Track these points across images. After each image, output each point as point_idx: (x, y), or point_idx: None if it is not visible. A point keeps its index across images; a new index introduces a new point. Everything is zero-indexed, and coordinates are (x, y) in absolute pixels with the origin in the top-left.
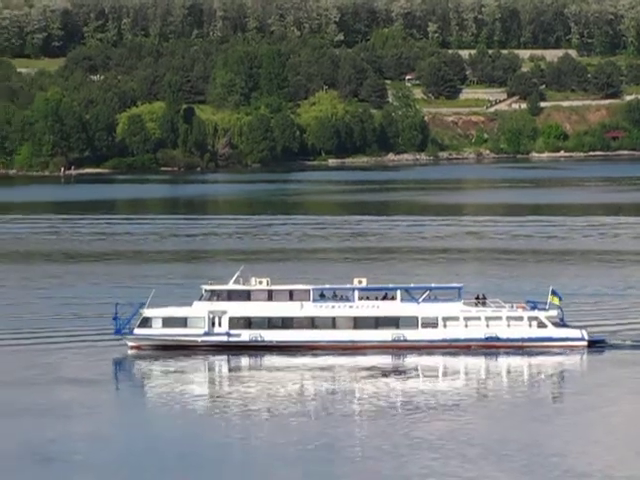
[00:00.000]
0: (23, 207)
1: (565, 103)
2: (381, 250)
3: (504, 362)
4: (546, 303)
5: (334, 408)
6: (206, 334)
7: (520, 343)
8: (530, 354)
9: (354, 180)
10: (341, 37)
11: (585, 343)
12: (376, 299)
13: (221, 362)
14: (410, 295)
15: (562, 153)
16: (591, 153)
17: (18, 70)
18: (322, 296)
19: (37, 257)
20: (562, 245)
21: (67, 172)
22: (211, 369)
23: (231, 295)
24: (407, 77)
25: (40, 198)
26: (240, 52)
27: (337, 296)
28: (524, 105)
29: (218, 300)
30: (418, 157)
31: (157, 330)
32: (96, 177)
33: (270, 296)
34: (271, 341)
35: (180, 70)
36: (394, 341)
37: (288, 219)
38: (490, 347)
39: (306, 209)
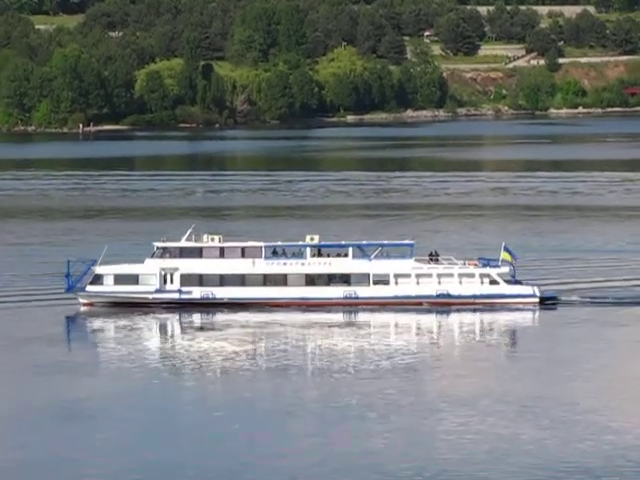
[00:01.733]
0: (42, 164)
1: (583, 59)
2: (403, 206)
3: (455, 319)
4: (498, 260)
5: (286, 366)
6: (157, 291)
7: (472, 300)
8: (481, 311)
9: (373, 137)
10: None
11: (537, 300)
12: (328, 256)
13: (172, 320)
14: (362, 252)
15: (580, 109)
16: (609, 109)
17: (36, 27)
18: (275, 253)
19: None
20: (587, 201)
21: (86, 129)
22: (162, 327)
23: (183, 252)
24: (425, 33)
25: (60, 155)
26: (258, 8)
27: (289, 253)
28: (542, 61)
29: (170, 257)
30: (436, 113)
31: (109, 287)
32: (115, 134)
33: (222, 253)
34: (222, 298)
35: (198, 26)
36: (345, 298)
37: (308, 175)
38: (441, 304)
39: (326, 166)
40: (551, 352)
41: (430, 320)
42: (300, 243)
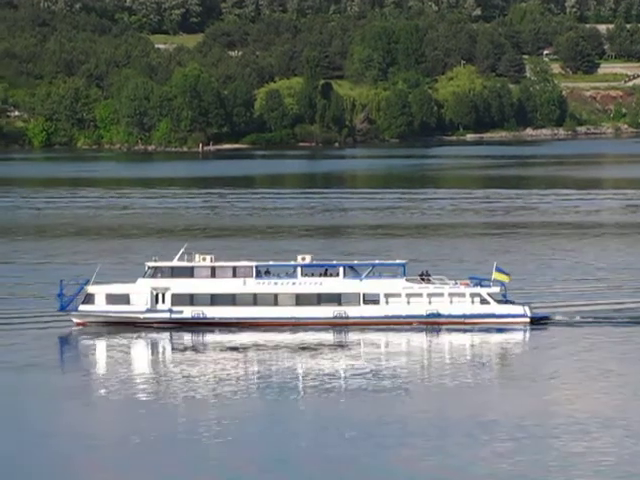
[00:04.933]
0: (164, 182)
1: None
2: (532, 225)
3: (445, 339)
4: (490, 280)
5: (276, 387)
6: (148, 311)
7: (462, 320)
8: (472, 331)
9: (493, 155)
10: (479, 12)
11: (527, 320)
12: (320, 276)
13: (163, 340)
14: (354, 272)
15: None
16: None
17: (156, 46)
18: (266, 273)
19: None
20: None
21: (205, 148)
22: (153, 347)
23: (174, 272)
24: (545, 52)
25: (181, 174)
26: (378, 27)
27: (280, 273)
28: None
29: (161, 277)
30: (556, 132)
31: (100, 307)
32: (234, 153)
33: (213, 273)
34: (213, 318)
35: (318, 45)
36: (335, 318)
37: (429, 193)
38: (432, 324)
39: (447, 184)
40: (536, 372)
41: (419, 340)
42: (291, 263)
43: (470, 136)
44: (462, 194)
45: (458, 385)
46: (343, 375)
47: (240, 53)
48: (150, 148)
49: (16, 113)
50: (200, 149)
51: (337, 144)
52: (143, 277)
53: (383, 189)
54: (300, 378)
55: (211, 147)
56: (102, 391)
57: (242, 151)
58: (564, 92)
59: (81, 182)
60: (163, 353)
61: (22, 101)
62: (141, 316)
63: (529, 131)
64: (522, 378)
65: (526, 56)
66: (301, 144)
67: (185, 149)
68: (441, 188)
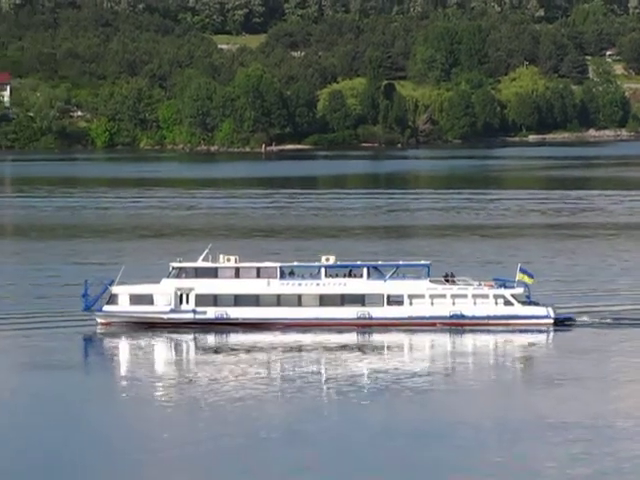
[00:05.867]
0: (227, 183)
1: None
2: (600, 226)
3: (469, 340)
4: (514, 281)
5: (299, 390)
6: (172, 311)
7: (485, 321)
8: (495, 332)
9: (556, 156)
10: (541, 13)
11: (551, 321)
12: (344, 276)
13: (187, 340)
14: (378, 272)
15: None
16: None
17: (219, 47)
18: (291, 274)
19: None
20: None
21: (268, 148)
22: (176, 348)
23: (198, 272)
24: (608, 53)
25: (245, 174)
26: (440, 28)
27: (304, 274)
28: None
29: (185, 277)
30: (619, 133)
31: (124, 307)
32: (297, 153)
33: (237, 273)
34: (236, 318)
35: (380, 46)
36: (359, 318)
37: (493, 194)
38: (455, 325)
39: (511, 185)
40: (559, 373)
41: (443, 341)
42: (315, 263)
43: (532, 137)
44: (525, 195)
45: (484, 387)
46: (366, 376)
47: (303, 53)
48: (212, 149)
49: (79, 113)
50: (263, 150)
51: (400, 145)
52: (167, 277)
53: (446, 190)
54: (323, 379)
55: (274, 147)
56: (131, 392)
57: (304, 152)
58: (627, 93)
59: (145, 182)
60: (187, 353)
61: (85, 101)
62: (165, 316)
63: (592, 132)
64: (545, 380)
65: (589, 57)
66: (363, 145)
67: (247, 149)
68: (504, 189)
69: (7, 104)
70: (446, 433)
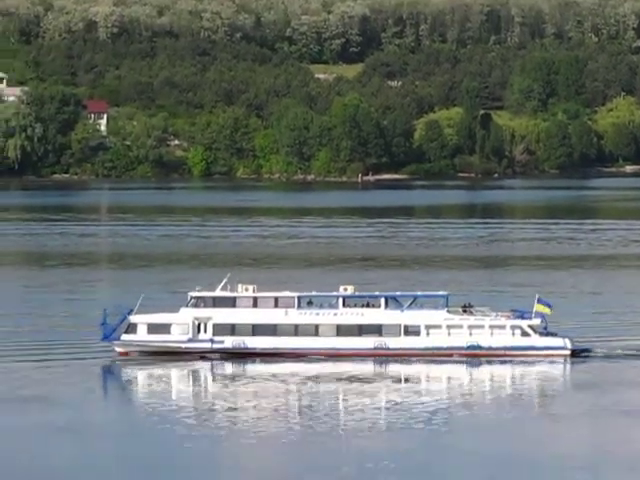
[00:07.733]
0: (324, 212)
1: None
2: None
3: (485, 371)
4: (532, 312)
5: (317, 421)
6: (190, 340)
7: (502, 352)
8: (512, 363)
9: None
10: (639, 43)
11: (568, 352)
12: (362, 307)
13: (205, 370)
14: (396, 303)
15: None
16: None
17: (316, 76)
18: (309, 303)
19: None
20: None
21: (365, 178)
22: (194, 377)
23: (216, 302)
24: None
25: (341, 204)
26: (538, 58)
27: (323, 304)
28: None
29: (204, 307)
30: None
31: (142, 336)
32: (394, 183)
33: (255, 303)
34: (254, 348)
35: (477, 76)
36: (376, 349)
37: (593, 224)
38: (472, 355)
39: (610, 215)
40: (574, 406)
41: (460, 372)
42: (333, 293)
43: (630, 167)
44: (623, 225)
45: (500, 419)
46: (385, 408)
47: (400, 83)
48: (309, 178)
49: (176, 142)
50: (359, 179)
51: (496, 175)
52: (185, 307)
53: (543, 220)
54: (341, 410)
55: (370, 177)
56: (149, 423)
57: (401, 181)
58: None
59: (243, 211)
60: (205, 382)
61: (182, 130)
62: (183, 345)
63: None
64: (560, 414)
65: None
66: (460, 175)
67: (344, 179)
68: (602, 219)
69: (104, 133)
70: (458, 466)
